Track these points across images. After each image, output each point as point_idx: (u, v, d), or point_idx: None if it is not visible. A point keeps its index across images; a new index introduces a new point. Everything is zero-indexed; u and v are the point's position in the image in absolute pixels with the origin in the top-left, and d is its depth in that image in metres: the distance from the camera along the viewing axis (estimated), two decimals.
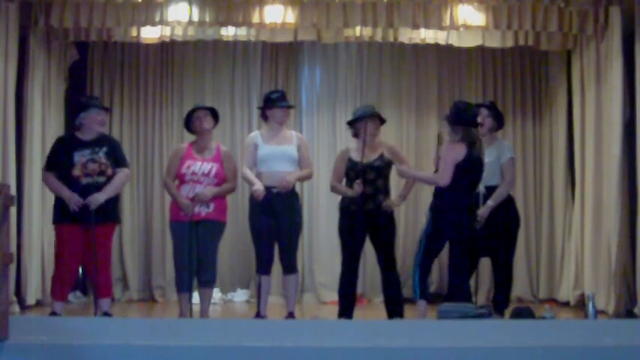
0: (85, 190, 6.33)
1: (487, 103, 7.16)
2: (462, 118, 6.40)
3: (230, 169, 6.76)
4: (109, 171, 6.44)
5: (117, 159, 6.53)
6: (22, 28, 7.71)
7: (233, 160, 6.91)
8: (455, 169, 6.27)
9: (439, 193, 6.36)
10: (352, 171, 6.72)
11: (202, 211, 6.61)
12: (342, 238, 6.80)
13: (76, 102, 6.83)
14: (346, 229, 6.74)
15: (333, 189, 6.93)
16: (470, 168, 6.33)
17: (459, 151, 6.31)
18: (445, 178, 6.29)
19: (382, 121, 6.89)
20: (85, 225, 6.32)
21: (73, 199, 6.30)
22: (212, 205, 6.63)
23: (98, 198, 6.33)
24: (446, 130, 6.51)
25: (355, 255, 6.74)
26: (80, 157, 6.40)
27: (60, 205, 6.46)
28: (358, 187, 6.60)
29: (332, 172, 6.97)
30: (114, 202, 6.59)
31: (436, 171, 6.48)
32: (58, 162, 6.45)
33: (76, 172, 6.36)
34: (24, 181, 7.76)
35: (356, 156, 6.74)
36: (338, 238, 6.85)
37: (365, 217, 6.62)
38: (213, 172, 6.66)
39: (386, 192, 6.75)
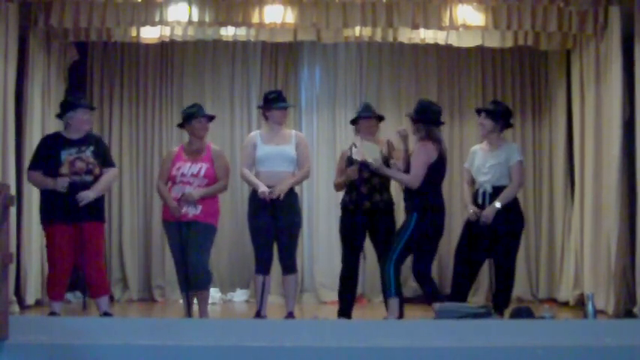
0: (73, 189, 6.34)
1: (484, 107, 7.11)
2: (424, 116, 6.50)
3: (221, 168, 6.74)
4: (97, 170, 6.45)
5: (104, 158, 6.55)
6: (22, 28, 7.72)
7: (224, 159, 6.90)
8: (431, 170, 6.38)
9: (419, 193, 6.39)
10: (348, 167, 6.80)
11: (190, 212, 6.60)
12: (342, 237, 6.87)
13: (64, 101, 6.84)
14: (345, 228, 6.79)
15: (336, 185, 7.00)
16: (443, 167, 6.50)
17: (432, 153, 6.40)
18: (417, 181, 6.38)
19: (380, 118, 6.96)
20: (74, 223, 6.33)
21: (59, 182, 6.32)
22: (200, 207, 6.61)
23: (88, 194, 6.34)
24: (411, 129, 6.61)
25: (355, 254, 6.77)
26: (67, 155, 6.40)
27: (46, 206, 6.47)
28: (352, 172, 6.66)
29: (335, 173, 7.07)
30: (101, 201, 6.60)
31: (406, 170, 6.52)
32: (45, 160, 6.45)
33: (64, 170, 6.37)
34: (24, 181, 7.74)
35: (353, 154, 6.79)
36: (336, 238, 6.90)
37: (363, 217, 6.64)
38: (203, 172, 6.64)
39: (383, 189, 6.77)
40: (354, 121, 6.99)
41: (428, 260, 6.46)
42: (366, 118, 6.87)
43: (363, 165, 6.59)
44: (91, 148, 6.47)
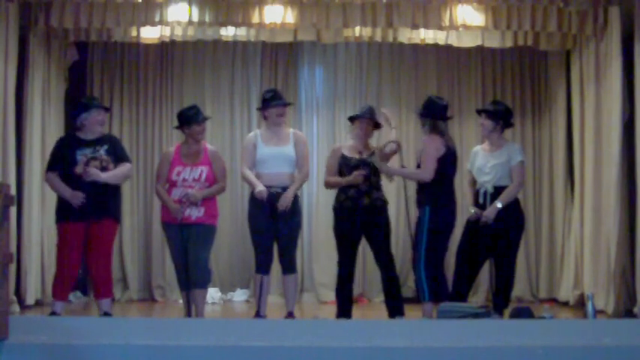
0: (89, 188, 6.35)
1: (484, 108, 7.11)
2: (429, 111, 6.56)
3: (219, 169, 6.75)
4: (111, 167, 6.47)
5: (118, 156, 6.56)
6: (22, 28, 7.72)
7: (222, 161, 6.88)
8: (441, 163, 6.42)
9: (431, 186, 6.42)
10: (346, 166, 6.75)
11: (193, 214, 6.60)
12: (338, 237, 6.78)
13: (77, 103, 6.87)
14: (342, 227, 6.73)
15: (328, 184, 6.90)
16: (452, 160, 6.55)
17: (439, 146, 6.45)
18: (429, 173, 6.44)
19: (376, 125, 6.92)
20: (87, 221, 6.34)
21: (76, 197, 6.34)
22: (203, 210, 6.62)
23: (98, 173, 6.36)
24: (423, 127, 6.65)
25: (352, 254, 6.75)
26: (82, 155, 6.43)
27: (62, 205, 6.47)
28: (359, 177, 6.63)
29: (325, 169, 6.96)
30: (114, 199, 6.58)
31: (418, 166, 6.55)
32: (60, 161, 6.47)
33: (79, 169, 6.39)
34: (24, 181, 7.76)
35: (349, 152, 6.78)
36: (334, 238, 6.84)
37: (360, 214, 6.63)
38: (204, 176, 6.64)
39: (378, 188, 6.78)
40: (352, 119, 6.94)
41: (438, 255, 6.43)
42: (364, 119, 6.85)
43: (365, 164, 6.63)
44: (105, 147, 6.50)
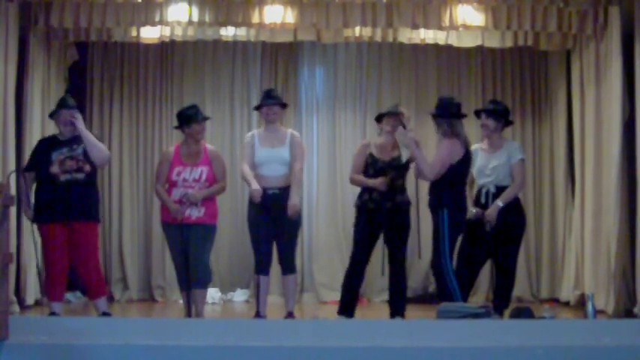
0: (64, 187, 6.35)
1: (485, 107, 7.10)
2: (444, 111, 6.57)
3: (219, 169, 6.75)
4: (87, 167, 6.46)
5: None
6: (22, 28, 7.72)
7: (222, 160, 6.89)
8: (459, 166, 6.44)
9: (449, 189, 6.44)
10: (372, 168, 6.71)
11: (193, 214, 6.60)
12: (357, 235, 6.76)
13: None
14: (361, 227, 6.71)
15: (353, 181, 6.87)
16: (468, 161, 6.57)
17: (458, 150, 6.44)
18: (433, 175, 6.46)
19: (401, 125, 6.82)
20: (66, 222, 6.35)
21: (25, 212, 6.53)
22: (203, 210, 6.62)
23: (78, 121, 6.49)
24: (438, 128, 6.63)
25: (367, 253, 6.74)
26: (58, 155, 6.44)
27: (40, 205, 6.48)
28: (382, 184, 6.59)
29: (352, 165, 6.92)
30: (92, 200, 6.56)
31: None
32: (37, 162, 6.50)
33: (54, 169, 6.40)
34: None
35: (378, 152, 6.75)
36: (354, 234, 6.80)
37: (382, 217, 6.61)
38: (204, 176, 6.64)
39: (402, 191, 6.74)
40: (380, 117, 6.93)
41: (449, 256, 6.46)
42: (392, 116, 6.79)
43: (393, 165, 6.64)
44: (82, 145, 6.49)
